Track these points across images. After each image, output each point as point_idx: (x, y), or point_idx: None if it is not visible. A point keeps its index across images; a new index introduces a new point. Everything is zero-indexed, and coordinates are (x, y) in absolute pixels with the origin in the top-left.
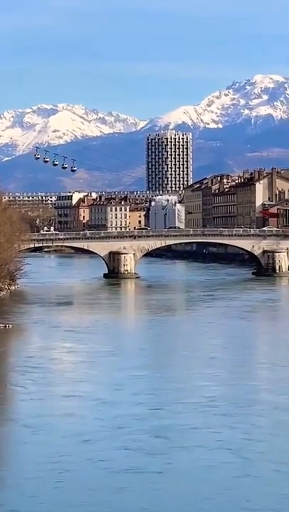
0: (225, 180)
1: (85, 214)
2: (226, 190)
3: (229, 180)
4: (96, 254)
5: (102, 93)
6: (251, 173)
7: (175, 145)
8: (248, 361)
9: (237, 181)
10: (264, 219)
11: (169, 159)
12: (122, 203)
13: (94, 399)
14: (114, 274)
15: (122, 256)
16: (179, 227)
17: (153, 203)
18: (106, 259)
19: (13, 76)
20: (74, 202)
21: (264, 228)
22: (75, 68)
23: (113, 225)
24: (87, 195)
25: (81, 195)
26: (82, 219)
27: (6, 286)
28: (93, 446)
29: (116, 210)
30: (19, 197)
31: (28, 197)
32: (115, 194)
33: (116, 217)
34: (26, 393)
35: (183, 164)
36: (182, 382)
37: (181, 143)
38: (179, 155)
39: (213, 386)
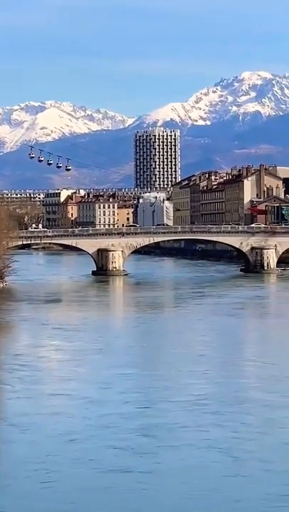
0: (213, 177)
1: (73, 211)
2: (214, 187)
3: (217, 177)
4: (84, 251)
5: (90, 90)
6: (239, 170)
7: (163, 142)
8: (237, 359)
9: (225, 178)
10: (252, 216)
11: (157, 156)
12: (110, 200)
13: (82, 397)
14: (102, 272)
15: (111, 253)
16: (167, 225)
17: (141, 200)
18: (94, 256)
19: (0, 73)
20: (62, 199)
21: (252, 225)
22: (63, 65)
23: (101, 222)
24: (75, 193)
25: (69, 192)
26: (70, 216)
27: None
28: (81, 445)
29: (104, 208)
30: (7, 194)
31: (16, 194)
32: (103, 191)
33: (104, 215)
34: (13, 391)
35: (171, 161)
36: (171, 380)
37: (169, 140)
38: (167, 152)
39: (202, 384)
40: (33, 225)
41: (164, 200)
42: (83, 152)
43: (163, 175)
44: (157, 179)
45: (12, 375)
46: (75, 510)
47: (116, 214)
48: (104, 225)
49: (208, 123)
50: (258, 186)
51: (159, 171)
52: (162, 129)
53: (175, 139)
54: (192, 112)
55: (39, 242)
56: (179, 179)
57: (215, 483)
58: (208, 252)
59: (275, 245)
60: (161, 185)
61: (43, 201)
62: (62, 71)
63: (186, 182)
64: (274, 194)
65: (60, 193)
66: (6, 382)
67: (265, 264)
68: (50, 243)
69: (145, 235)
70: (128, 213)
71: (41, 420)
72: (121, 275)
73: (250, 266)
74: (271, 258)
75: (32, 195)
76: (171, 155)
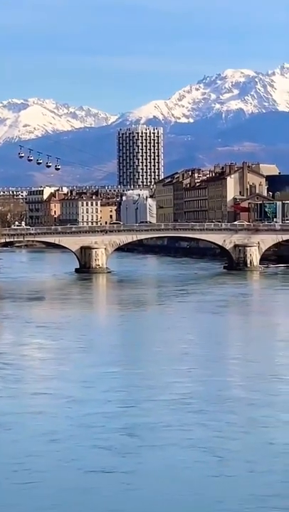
0: (196, 175)
1: (56, 209)
2: (197, 184)
3: (200, 175)
4: (67, 249)
5: (73, 87)
6: (222, 168)
7: (146, 139)
8: (221, 357)
9: (208, 176)
10: (235, 213)
11: (140, 154)
12: (94, 197)
13: (64, 396)
14: (85, 269)
15: (94, 251)
16: (150, 222)
17: (124, 198)
18: (77, 253)
19: None
20: (45, 197)
21: (235, 222)
22: (46, 62)
23: (84, 220)
24: (58, 190)
25: (52, 189)
26: (53, 214)
27: None
28: (63, 445)
29: (87, 205)
30: None
31: None
32: (86, 189)
33: (87, 212)
34: None
35: (154, 159)
36: (154, 379)
37: (152, 137)
38: (150, 149)
39: (185, 382)
40: (16, 223)
41: (147, 197)
42: (66, 149)
43: (146, 172)
44: (140, 177)
45: None
46: (57, 511)
47: (99, 211)
48: (87, 223)
49: (191, 120)
50: (240, 184)
51: (142, 169)
52: (145, 126)
53: (158, 137)
54: (175, 109)
55: (22, 239)
56: (162, 177)
57: (198, 483)
58: (192, 250)
59: (258, 243)
60: (145, 183)
61: (25, 199)
62: (45, 68)
63: (169, 179)
64: (257, 192)
65: (43, 191)
66: None
67: (248, 262)
68: (33, 241)
69: (128, 233)
70: (111, 211)
71: (23, 419)
72: (104, 273)
73: (234, 263)
74: (254, 255)
75: (15, 193)
76: (154, 152)
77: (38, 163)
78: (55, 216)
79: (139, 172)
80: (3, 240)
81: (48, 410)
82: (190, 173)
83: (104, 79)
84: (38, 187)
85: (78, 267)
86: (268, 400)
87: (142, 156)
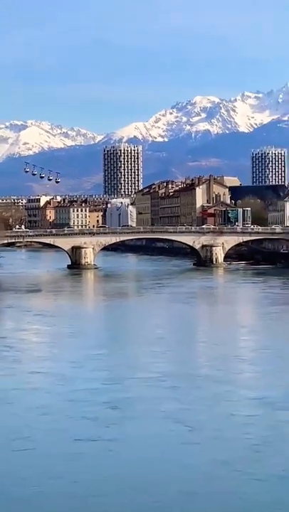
0: (170, 186)
1: (51, 214)
2: (171, 194)
3: (173, 186)
4: (60, 248)
5: (65, 111)
6: (192, 180)
7: (128, 155)
8: (191, 340)
9: (180, 186)
10: (203, 218)
11: (123, 168)
12: (83, 205)
13: (56, 374)
14: (76, 266)
15: (83, 250)
16: (131, 226)
17: (109, 205)
18: (69, 252)
19: None
20: (42, 204)
21: (203, 226)
22: (43, 90)
23: (75, 224)
24: (52, 198)
25: (48, 198)
26: (48, 218)
27: None
28: (54, 416)
29: (78, 211)
30: None
31: (2, 200)
32: (77, 197)
33: (78, 217)
34: None
35: (134, 172)
36: (134, 359)
37: (132, 154)
38: (131, 164)
39: (160, 362)
40: (17, 226)
41: (128, 205)
42: (60, 164)
43: (128, 183)
44: (123, 187)
45: None
46: (49, 474)
47: (88, 217)
48: (77, 226)
49: (166, 140)
50: (207, 193)
51: (124, 180)
52: (127, 144)
53: (138, 153)
54: (152, 130)
55: (22, 240)
56: (141, 187)
57: (171, 449)
58: (166, 249)
59: (223, 243)
60: (126, 192)
61: (25, 206)
62: (42, 95)
63: (147, 190)
64: (221, 200)
65: (39, 199)
66: None
67: (214, 259)
68: (31, 241)
69: (112, 235)
70: (98, 216)
71: (21, 394)
72: (92, 269)
73: (202, 261)
74: (219, 254)
75: (16, 201)
76: (134, 166)
77: (41, 177)
78: (50, 220)
79: (121, 183)
80: (5, 241)
81: (42, 386)
82: (165, 184)
83: (91, 104)
84: (35, 196)
85: (70, 263)
86: (231, 377)
87: (124, 169)
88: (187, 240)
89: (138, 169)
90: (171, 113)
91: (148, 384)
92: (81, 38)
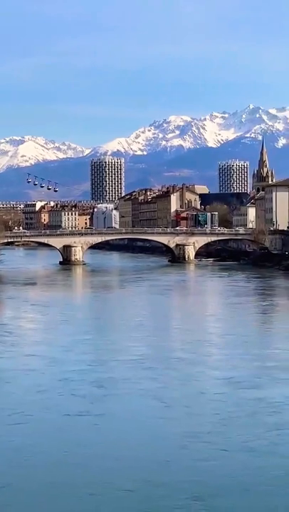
0: (148, 193)
1: (45, 217)
2: (149, 200)
3: (151, 193)
4: (54, 247)
5: (58, 128)
6: (167, 188)
7: (112, 167)
8: (167, 327)
9: (157, 193)
10: (177, 221)
11: (107, 177)
12: (73, 209)
13: (49, 357)
14: (67, 262)
15: (73, 248)
16: (114, 227)
17: (96, 209)
18: (61, 250)
19: None
20: (37, 208)
21: (177, 228)
22: (38, 109)
23: (66, 226)
24: (47, 204)
25: (42, 203)
26: (43, 221)
27: None
28: (47, 394)
29: (69, 215)
30: None
31: (3, 205)
32: (68, 203)
33: (68, 220)
34: None
35: (117, 181)
36: (117, 344)
37: (116, 165)
38: (114, 174)
39: (140, 346)
40: (15, 228)
41: (112, 209)
42: (53, 173)
43: (112, 191)
44: (108, 194)
45: None
46: (42, 445)
47: (77, 219)
48: (68, 228)
49: (145, 153)
50: (181, 200)
51: (109, 188)
52: (111, 157)
53: (120, 165)
54: (133, 145)
55: (20, 240)
56: (123, 194)
57: (148, 423)
58: (145, 248)
59: (194, 243)
60: (111, 198)
61: (22, 210)
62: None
63: (129, 196)
64: (193, 205)
65: (35, 204)
66: None
67: (186, 257)
68: (28, 241)
69: (99, 235)
70: (86, 219)
71: (18, 375)
72: (80, 265)
73: (176, 258)
74: (190, 252)
75: (14, 206)
76: (118, 176)
77: (41, 187)
78: (45, 223)
79: (106, 190)
80: (5, 241)
81: (36, 368)
82: (144, 191)
83: (81, 122)
84: (31, 201)
85: (62, 260)
86: (201, 359)
87: (109, 179)
88: (163, 239)
89: (121, 178)
90: (149, 130)
91: (128, 365)
92: (75, 63)
